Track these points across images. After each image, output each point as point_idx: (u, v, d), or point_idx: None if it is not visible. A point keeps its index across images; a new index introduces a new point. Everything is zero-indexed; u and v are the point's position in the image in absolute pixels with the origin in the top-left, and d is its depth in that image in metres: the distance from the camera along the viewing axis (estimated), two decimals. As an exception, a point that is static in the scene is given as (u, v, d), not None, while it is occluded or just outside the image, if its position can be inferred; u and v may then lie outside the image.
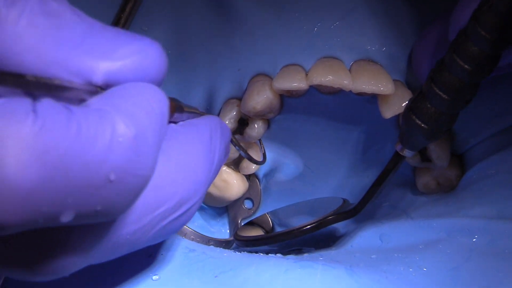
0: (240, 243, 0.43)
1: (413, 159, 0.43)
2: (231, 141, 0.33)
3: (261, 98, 0.43)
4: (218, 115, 0.46)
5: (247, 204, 0.51)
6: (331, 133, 0.46)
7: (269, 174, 0.50)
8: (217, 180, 0.48)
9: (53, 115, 0.18)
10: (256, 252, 0.38)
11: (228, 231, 0.50)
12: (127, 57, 0.22)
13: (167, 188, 0.24)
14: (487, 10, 0.29)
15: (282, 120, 0.46)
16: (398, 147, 0.37)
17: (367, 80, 0.40)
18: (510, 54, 0.32)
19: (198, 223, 0.50)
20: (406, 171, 0.45)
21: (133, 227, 0.23)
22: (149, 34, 0.44)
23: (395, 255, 0.34)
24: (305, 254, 0.37)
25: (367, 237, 0.38)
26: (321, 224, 0.40)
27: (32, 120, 0.17)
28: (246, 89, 0.44)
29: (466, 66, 0.31)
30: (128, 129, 0.20)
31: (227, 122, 0.45)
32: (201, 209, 0.51)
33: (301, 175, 0.49)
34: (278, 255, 0.36)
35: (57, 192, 0.18)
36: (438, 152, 0.42)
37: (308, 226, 0.40)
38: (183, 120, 0.29)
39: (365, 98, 0.43)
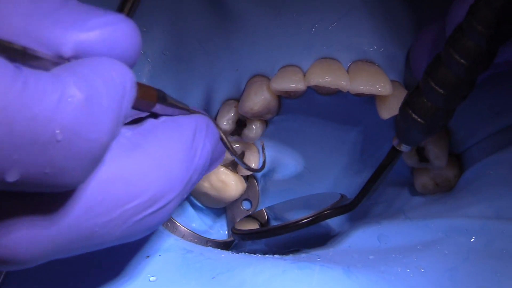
0: (238, 236, 0.43)
1: (411, 160, 0.43)
2: (226, 145, 0.33)
3: (258, 99, 0.43)
4: (216, 115, 0.46)
5: (245, 205, 0.51)
6: (329, 134, 0.46)
7: (267, 174, 0.50)
8: (215, 181, 0.48)
9: None
10: (254, 253, 0.38)
11: (226, 232, 0.50)
12: (96, 28, 0.22)
13: (139, 183, 0.24)
14: (483, 5, 0.30)
15: (280, 121, 0.46)
16: (395, 141, 0.37)
17: (365, 81, 0.40)
18: (506, 51, 0.32)
19: (196, 224, 0.50)
20: (404, 171, 0.45)
21: (102, 219, 0.23)
22: (147, 35, 0.44)
23: (393, 255, 0.34)
24: (303, 255, 0.37)
25: (365, 238, 0.38)
26: (318, 218, 0.40)
27: None
28: (244, 90, 0.44)
29: (462, 61, 0.31)
30: (79, 91, 0.20)
31: (224, 123, 0.45)
32: (199, 210, 0.51)
33: (299, 175, 0.49)
34: (276, 256, 0.36)
35: (1, 144, 0.18)
36: (436, 152, 0.42)
37: (305, 220, 0.40)
38: (168, 115, 0.29)
39: (362, 99, 0.43)
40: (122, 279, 0.32)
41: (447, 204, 0.39)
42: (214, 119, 0.46)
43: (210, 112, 0.46)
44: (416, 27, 0.40)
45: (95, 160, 0.21)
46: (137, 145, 0.25)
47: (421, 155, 0.43)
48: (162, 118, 0.28)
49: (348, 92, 0.41)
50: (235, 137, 0.46)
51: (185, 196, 0.28)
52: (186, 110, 0.30)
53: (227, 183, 0.49)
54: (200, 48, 0.44)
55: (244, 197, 0.51)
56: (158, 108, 0.28)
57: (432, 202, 0.41)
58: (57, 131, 0.19)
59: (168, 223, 0.46)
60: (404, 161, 0.43)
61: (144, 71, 0.45)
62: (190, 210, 0.51)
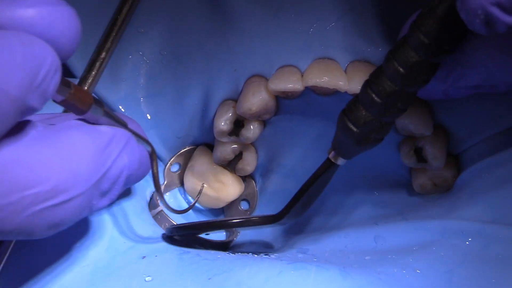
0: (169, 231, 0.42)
1: (409, 160, 0.43)
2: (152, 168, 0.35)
3: (256, 99, 0.42)
4: (214, 116, 0.46)
5: (244, 205, 0.51)
6: (327, 134, 0.46)
7: (265, 175, 0.50)
8: (213, 182, 0.48)
9: None
10: (248, 253, 0.38)
11: (224, 233, 0.50)
12: (36, 5, 0.24)
13: (39, 171, 0.24)
14: (427, 12, 0.30)
15: (278, 121, 0.46)
16: (331, 154, 0.37)
17: (362, 81, 0.39)
18: (468, 74, 0.32)
19: (195, 225, 0.50)
20: (402, 171, 0.45)
21: (0, 201, 0.23)
22: (145, 35, 0.44)
23: (389, 256, 0.34)
24: (300, 255, 0.37)
25: (361, 238, 0.38)
26: (244, 222, 0.40)
27: None
28: (242, 90, 0.44)
29: (400, 69, 0.31)
30: None
31: (222, 123, 0.44)
32: (197, 211, 0.51)
33: (297, 176, 0.49)
34: (273, 256, 0.36)
35: None
36: (434, 153, 0.42)
37: (234, 221, 0.40)
38: (97, 123, 0.30)
39: (360, 99, 0.43)
40: (118, 279, 0.32)
41: (444, 205, 0.39)
42: (212, 120, 0.46)
43: (208, 112, 0.46)
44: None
45: (5, 117, 0.22)
46: (45, 136, 0.25)
47: (419, 156, 0.43)
48: (81, 122, 0.29)
49: (346, 92, 0.41)
50: (233, 138, 0.46)
51: (99, 204, 0.29)
52: (123, 126, 0.31)
53: (225, 183, 0.49)
54: (198, 48, 0.44)
55: (242, 197, 0.51)
56: (89, 115, 0.29)
57: (430, 203, 0.41)
58: None
59: (166, 224, 0.46)
60: (402, 161, 0.43)
61: (141, 71, 0.45)
62: (189, 211, 0.51)
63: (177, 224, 0.43)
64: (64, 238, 0.34)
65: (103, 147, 0.28)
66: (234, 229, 0.49)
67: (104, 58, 0.41)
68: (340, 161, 0.37)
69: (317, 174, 0.38)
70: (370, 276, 0.32)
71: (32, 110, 0.24)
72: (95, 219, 0.37)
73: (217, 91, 0.45)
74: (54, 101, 0.28)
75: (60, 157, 0.25)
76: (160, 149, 0.49)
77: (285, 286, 0.30)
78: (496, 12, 0.25)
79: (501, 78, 0.33)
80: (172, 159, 0.50)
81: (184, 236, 0.41)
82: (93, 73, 0.40)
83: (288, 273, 0.31)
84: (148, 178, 0.48)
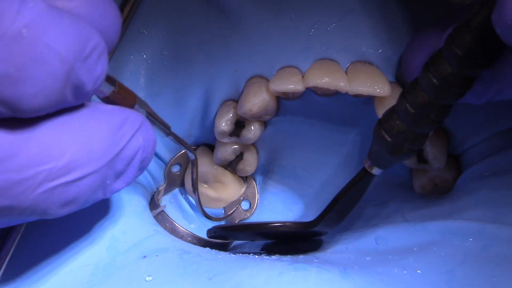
0: (213, 232, 0.43)
1: (409, 161, 0.43)
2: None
3: (257, 100, 0.43)
4: (215, 116, 0.46)
5: (244, 205, 0.51)
6: (328, 135, 0.46)
7: (265, 175, 0.50)
8: (213, 182, 0.48)
9: None
10: (249, 254, 0.38)
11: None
12: None
13: (54, 146, 0.25)
14: (462, 25, 0.30)
15: (279, 122, 0.46)
16: (367, 163, 0.37)
17: (363, 82, 0.40)
18: (488, 86, 0.32)
19: (195, 225, 0.50)
20: (402, 172, 0.45)
21: (16, 176, 0.23)
22: (147, 36, 0.44)
23: (390, 257, 0.34)
24: (301, 256, 0.37)
25: (362, 239, 0.38)
26: (280, 227, 0.41)
27: None
28: (242, 91, 0.44)
29: (434, 80, 0.31)
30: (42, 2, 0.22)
31: (223, 124, 0.45)
32: (195, 211, 0.51)
33: (297, 176, 0.49)
34: (274, 257, 0.36)
35: None
36: (434, 153, 0.42)
37: (272, 225, 0.41)
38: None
39: (361, 100, 0.43)
40: (118, 278, 0.32)
41: (445, 206, 0.39)
42: (213, 120, 0.46)
43: (209, 113, 0.46)
44: (415, 29, 0.40)
45: (55, 81, 0.23)
46: (58, 115, 0.25)
47: (420, 156, 0.43)
48: (95, 102, 0.29)
49: (346, 93, 0.41)
50: (233, 138, 0.46)
51: (113, 186, 0.29)
52: (166, 128, 0.33)
53: (226, 183, 0.49)
54: (199, 49, 0.44)
55: (243, 197, 0.51)
56: (101, 90, 0.29)
57: (430, 203, 0.41)
58: (24, 30, 0.21)
59: (167, 224, 0.46)
60: (402, 162, 0.43)
61: (142, 71, 0.45)
62: (189, 211, 0.51)
63: (219, 225, 0.45)
64: (65, 238, 0.35)
65: (117, 127, 0.28)
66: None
67: (105, 58, 0.41)
68: (376, 171, 0.37)
69: (352, 182, 0.38)
70: (371, 276, 0.32)
71: (80, 90, 0.25)
72: (96, 219, 0.37)
73: (218, 92, 0.45)
74: (98, 97, 0.29)
75: (74, 134, 0.25)
76: (161, 150, 0.49)
77: (285, 286, 0.30)
78: None
79: None
80: (172, 160, 0.50)
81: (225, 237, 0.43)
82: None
83: (289, 273, 0.31)
84: (150, 179, 0.49)
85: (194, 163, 0.39)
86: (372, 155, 0.37)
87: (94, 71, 0.25)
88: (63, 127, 0.25)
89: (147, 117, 0.31)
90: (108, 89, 0.29)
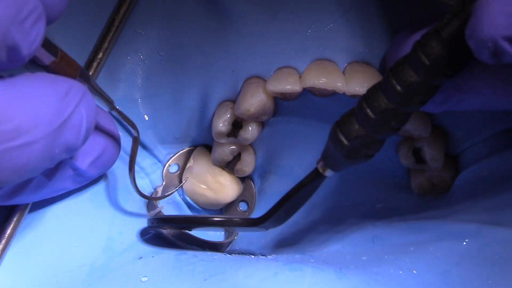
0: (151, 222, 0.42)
1: (407, 161, 0.43)
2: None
3: (255, 101, 0.42)
4: (213, 117, 0.46)
5: (242, 206, 0.51)
6: (325, 135, 0.46)
7: (263, 176, 0.50)
8: (211, 182, 0.48)
9: None
10: (245, 254, 0.38)
11: (223, 233, 0.50)
12: None
13: (2, 110, 0.25)
14: (431, 33, 0.29)
15: (276, 123, 0.46)
16: (320, 164, 0.36)
17: (360, 82, 0.40)
18: (465, 99, 0.32)
19: (193, 226, 0.50)
20: (400, 172, 0.45)
21: None
22: (143, 36, 0.44)
23: (386, 257, 0.34)
24: (297, 255, 0.37)
25: (359, 239, 0.38)
26: (226, 221, 0.40)
27: None
28: (240, 91, 0.44)
29: (397, 87, 0.30)
30: None
31: (221, 124, 0.44)
32: (196, 211, 0.51)
33: (295, 176, 0.49)
34: (270, 257, 0.36)
35: None
36: (432, 154, 0.42)
37: (215, 219, 0.40)
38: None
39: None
40: (114, 279, 0.32)
41: (442, 206, 0.39)
42: (210, 121, 0.46)
43: (207, 113, 0.46)
44: (411, 30, 0.40)
45: None
46: (5, 81, 0.26)
47: (418, 156, 0.43)
48: (40, 72, 0.29)
49: (344, 93, 0.41)
50: (231, 139, 0.46)
51: (62, 156, 0.29)
52: (109, 103, 0.33)
53: (224, 184, 0.49)
54: (196, 49, 0.44)
55: (240, 198, 0.51)
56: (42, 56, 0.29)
57: (427, 204, 0.41)
58: None
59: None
60: (400, 162, 0.43)
61: (139, 71, 0.45)
62: (187, 211, 0.51)
63: (156, 216, 0.43)
64: (61, 238, 0.35)
65: (62, 95, 0.28)
66: (233, 230, 0.49)
67: (101, 59, 0.41)
68: (328, 173, 0.36)
69: (303, 183, 0.37)
70: (366, 276, 0.31)
71: (15, 53, 0.25)
72: (92, 220, 0.37)
73: (215, 92, 0.45)
74: (39, 65, 0.29)
75: (22, 99, 0.26)
76: (158, 150, 0.49)
77: (280, 287, 0.30)
78: (506, 46, 0.25)
79: (500, 106, 0.33)
80: (170, 160, 0.50)
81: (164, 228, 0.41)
82: (90, 73, 0.40)
83: (284, 274, 0.31)
84: (147, 181, 0.49)
85: (135, 140, 0.39)
86: (326, 157, 0.35)
87: (30, 35, 0.25)
88: (11, 93, 0.26)
89: (89, 89, 0.31)
90: (48, 59, 0.29)
